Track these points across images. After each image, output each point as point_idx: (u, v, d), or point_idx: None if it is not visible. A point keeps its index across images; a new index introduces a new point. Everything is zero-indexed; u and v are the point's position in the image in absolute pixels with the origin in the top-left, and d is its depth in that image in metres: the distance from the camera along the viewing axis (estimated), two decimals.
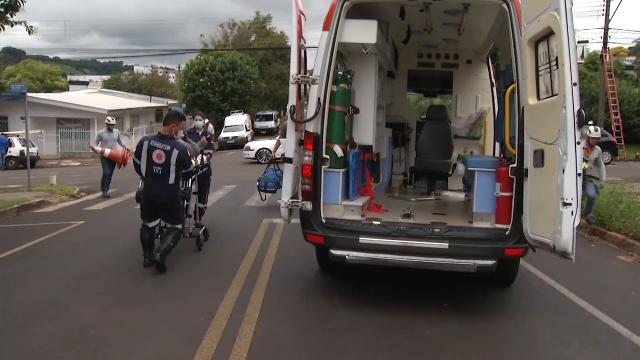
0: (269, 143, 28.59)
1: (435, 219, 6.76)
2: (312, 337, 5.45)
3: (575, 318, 6.21)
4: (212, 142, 10.68)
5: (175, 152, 7.45)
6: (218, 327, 5.57)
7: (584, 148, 9.87)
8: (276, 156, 13.06)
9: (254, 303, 6.27)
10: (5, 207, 12.90)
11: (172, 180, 7.48)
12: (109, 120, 15.77)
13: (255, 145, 28.70)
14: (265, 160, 26.71)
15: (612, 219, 10.53)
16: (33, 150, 28.81)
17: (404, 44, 9.21)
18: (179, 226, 7.81)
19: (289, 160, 6.15)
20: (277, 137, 15.30)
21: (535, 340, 5.61)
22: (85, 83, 77.42)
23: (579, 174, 4.76)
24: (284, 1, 6.21)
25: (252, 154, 28.36)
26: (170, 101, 53.95)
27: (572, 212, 4.76)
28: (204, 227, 9.26)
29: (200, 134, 10.30)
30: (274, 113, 52.02)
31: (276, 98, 56.25)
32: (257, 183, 12.87)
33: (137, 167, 7.66)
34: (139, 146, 7.59)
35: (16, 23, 12.50)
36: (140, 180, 8.17)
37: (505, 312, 6.35)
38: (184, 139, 8.86)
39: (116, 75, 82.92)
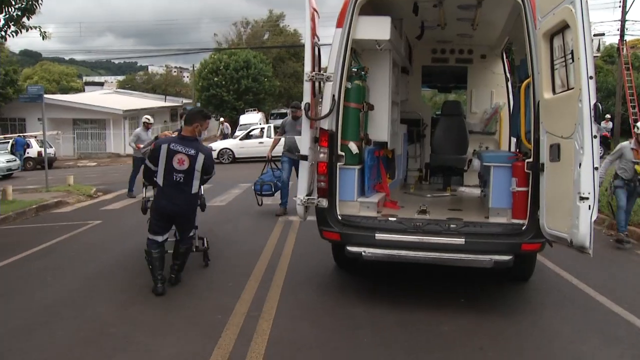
0: (230, 143, 28.72)
1: (451, 214, 6.74)
2: (329, 334, 5.47)
3: (594, 313, 6.17)
4: None
5: (200, 157, 6.56)
6: (235, 325, 5.60)
7: (632, 149, 9.50)
8: (272, 155, 12.27)
9: (270, 301, 6.29)
10: (24, 207, 13.08)
11: (195, 189, 6.61)
12: (147, 119, 15.57)
13: (217, 145, 28.05)
14: (227, 160, 26.84)
15: (632, 214, 10.42)
16: (50, 151, 29.06)
17: (417, 40, 9.18)
18: (191, 235, 7.16)
19: (304, 158, 6.16)
20: (276, 135, 14.68)
21: (553, 336, 5.58)
22: (101, 84, 78.01)
23: (596, 168, 4.73)
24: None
25: (214, 155, 28.12)
26: (185, 100, 54.21)
27: (589, 206, 4.72)
28: (203, 239, 7.97)
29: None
30: (289, 111, 51.93)
31: (290, 96, 56.20)
32: (253, 187, 11.91)
33: (151, 174, 6.70)
34: (155, 150, 6.61)
35: (31, 28, 12.61)
36: (145, 188, 7.90)
37: (522, 308, 6.32)
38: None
39: (131, 76, 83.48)
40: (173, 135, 7.20)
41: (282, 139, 11.97)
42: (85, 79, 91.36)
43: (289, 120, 11.82)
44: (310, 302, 6.36)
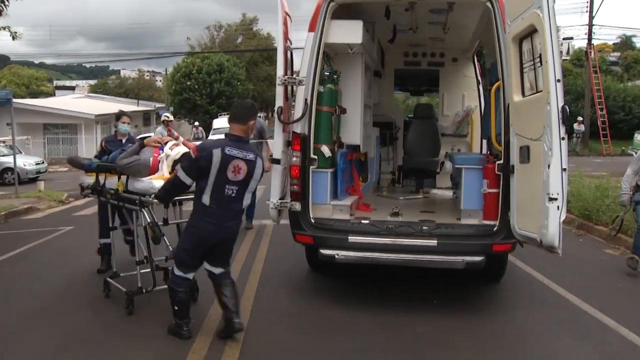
0: None
1: (424, 216, 6.81)
2: (304, 337, 5.49)
3: (565, 312, 6.28)
4: None
5: (259, 164, 5.27)
6: (209, 330, 5.58)
7: None
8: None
9: (245, 304, 6.27)
10: None
11: (245, 204, 5.39)
12: (167, 117, 13.75)
13: None
14: None
15: (599, 213, 10.61)
16: (41, 166, 28.43)
17: (390, 44, 9.25)
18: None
19: (277, 162, 6.17)
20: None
21: (527, 335, 5.68)
22: (72, 88, 76.81)
23: (564, 169, 4.81)
24: (270, 3, 6.22)
25: None
26: (158, 104, 53.72)
27: (558, 206, 4.81)
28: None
29: (124, 141, 7.72)
30: (262, 115, 51.98)
31: (264, 100, 56.16)
32: None
33: (180, 188, 5.27)
34: (203, 157, 5.02)
35: (0, 29, 12.44)
36: (147, 207, 5.90)
37: (496, 308, 6.40)
38: (104, 148, 7.60)
39: (103, 80, 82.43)
40: (170, 138, 6.45)
41: None
42: (56, 83, 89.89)
43: None
44: (285, 305, 6.37)
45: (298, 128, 6.15)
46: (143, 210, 5.86)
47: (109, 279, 6.59)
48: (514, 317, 6.12)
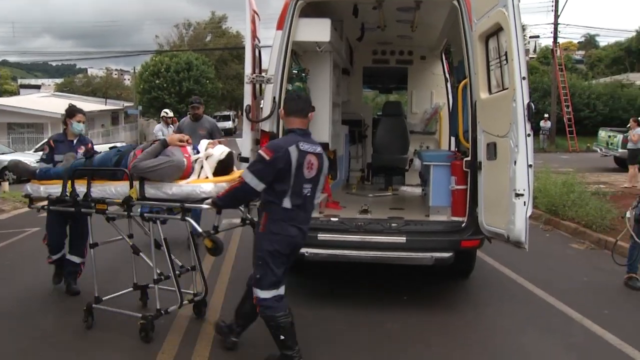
0: None
1: (393, 213, 6.84)
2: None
3: (532, 306, 6.39)
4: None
5: (324, 156, 4.86)
6: (179, 330, 5.54)
7: None
8: None
9: (214, 303, 6.25)
10: None
11: (317, 201, 5.09)
12: (166, 113, 13.06)
13: None
14: None
15: (565, 209, 10.80)
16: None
17: (358, 42, 9.28)
18: None
19: (246, 160, 6.14)
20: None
21: (495, 329, 5.76)
22: (37, 87, 75.42)
23: (530, 165, 4.88)
24: (239, 1, 6.18)
25: None
26: (126, 103, 53.13)
27: (524, 202, 4.88)
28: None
29: (74, 142, 6.78)
30: (232, 113, 51.70)
31: (234, 98, 55.91)
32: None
33: (251, 195, 4.73)
34: (279, 157, 4.46)
35: None
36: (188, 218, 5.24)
37: (465, 303, 6.48)
38: (51, 149, 6.68)
39: (69, 79, 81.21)
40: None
41: None
42: (21, 81, 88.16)
43: (187, 122, 9.25)
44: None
45: (266, 126, 6.12)
46: (188, 218, 5.14)
47: (93, 305, 5.65)
48: (483, 312, 6.20)
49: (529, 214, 4.91)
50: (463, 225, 5.97)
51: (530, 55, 54.45)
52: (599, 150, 23.09)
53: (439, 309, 6.17)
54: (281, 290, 4.69)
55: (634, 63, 58.15)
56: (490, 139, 5.47)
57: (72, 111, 6.85)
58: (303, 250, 5.76)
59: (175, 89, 45.55)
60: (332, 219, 6.29)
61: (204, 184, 5.05)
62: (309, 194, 4.67)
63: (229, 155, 5.31)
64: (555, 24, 33.86)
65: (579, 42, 73.24)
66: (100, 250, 5.90)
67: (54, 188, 5.82)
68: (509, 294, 6.81)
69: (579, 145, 31.58)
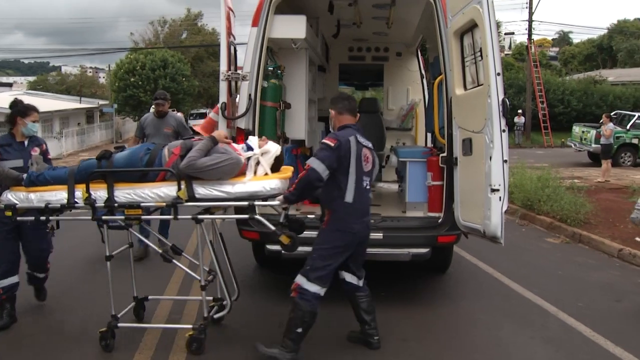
0: None
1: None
2: (252, 332, 5.43)
3: (508, 300, 6.46)
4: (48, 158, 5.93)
5: (374, 153, 5.14)
6: (156, 330, 5.48)
7: None
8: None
9: (192, 302, 6.20)
10: None
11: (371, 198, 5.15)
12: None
13: None
14: None
15: (541, 203, 10.91)
16: None
17: (334, 38, 9.28)
18: None
19: None
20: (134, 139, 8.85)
21: (472, 324, 5.80)
22: (9, 85, 74.22)
23: (505, 161, 4.91)
24: None
25: None
26: (101, 102, 52.57)
27: (500, 197, 4.90)
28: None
29: (26, 144, 5.74)
30: (208, 111, 51.35)
31: (210, 96, 55.49)
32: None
33: (317, 184, 4.74)
34: (343, 146, 4.71)
35: None
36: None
37: (442, 298, 6.51)
38: None
39: (43, 76, 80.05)
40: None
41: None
42: None
43: (150, 119, 8.26)
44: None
45: (242, 124, 6.09)
46: (258, 217, 4.89)
47: (115, 325, 5.11)
48: (460, 307, 6.24)
49: (504, 209, 4.94)
50: (439, 221, 6.00)
51: (505, 52, 55.05)
52: (573, 146, 23.42)
53: (416, 305, 6.20)
54: (322, 292, 4.78)
55: (606, 60, 59.14)
56: (466, 134, 5.50)
57: (25, 109, 5.72)
58: (280, 247, 5.71)
59: (151, 86, 45.03)
60: (309, 215, 6.27)
61: (272, 181, 4.86)
62: (367, 187, 4.87)
63: (282, 152, 5.21)
64: (530, 21, 34.22)
65: (553, 39, 74.22)
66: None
67: (53, 195, 4.93)
68: (485, 288, 6.86)
69: (553, 140, 31.94)
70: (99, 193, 4.85)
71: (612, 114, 20.14)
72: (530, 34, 34.38)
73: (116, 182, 4.87)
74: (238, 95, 6.23)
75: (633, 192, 12.74)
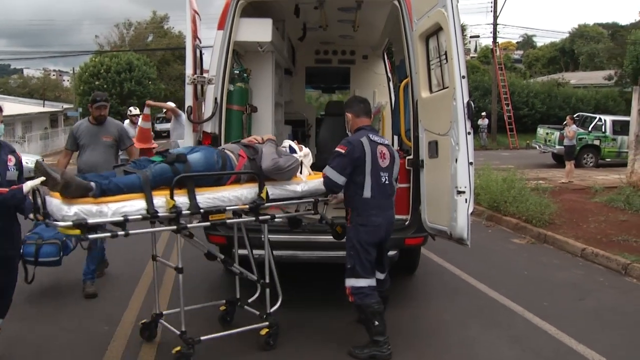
0: None
1: (337, 213, 6.83)
2: (220, 337, 5.39)
3: (475, 300, 6.53)
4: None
5: (392, 147, 5.41)
6: (123, 336, 5.43)
7: None
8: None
9: (160, 307, 6.11)
10: None
11: (395, 190, 5.35)
12: (130, 111, 12.09)
13: None
14: None
15: (507, 205, 11.05)
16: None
17: (300, 41, 9.27)
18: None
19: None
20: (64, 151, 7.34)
21: (439, 325, 5.84)
22: None
23: (471, 163, 4.95)
24: (180, 1, 6.08)
25: None
26: (66, 105, 51.77)
27: (465, 199, 4.93)
28: None
29: None
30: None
31: (177, 99, 55.04)
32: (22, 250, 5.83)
33: (333, 187, 5.09)
34: (356, 148, 4.96)
35: None
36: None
37: (409, 299, 6.54)
38: None
39: (4, 79, 78.43)
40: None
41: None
42: None
43: (84, 127, 6.98)
44: (201, 305, 6.24)
45: (209, 127, 6.04)
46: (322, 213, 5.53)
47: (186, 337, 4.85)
48: (428, 307, 6.30)
49: (470, 210, 4.97)
50: (406, 223, 6.03)
51: (471, 55, 55.69)
52: (537, 147, 23.80)
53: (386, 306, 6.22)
54: (373, 281, 5.03)
55: (568, 63, 60.31)
56: (432, 137, 5.53)
57: None
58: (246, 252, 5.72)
59: (117, 90, 44.53)
60: (276, 219, 6.24)
61: (320, 180, 5.26)
62: (386, 182, 5.06)
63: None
64: (495, 25, 34.68)
65: (517, 42, 75.33)
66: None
67: (130, 205, 4.33)
68: (452, 289, 6.93)
69: (519, 142, 32.40)
70: (179, 199, 4.52)
71: (574, 116, 20.53)
72: (495, 37, 34.85)
73: (196, 187, 4.65)
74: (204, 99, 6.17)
75: (595, 193, 13.00)
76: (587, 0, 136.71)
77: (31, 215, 4.28)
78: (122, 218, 4.24)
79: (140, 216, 4.33)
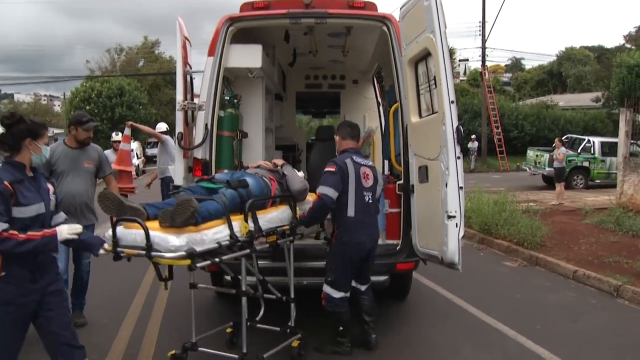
0: None
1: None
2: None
3: (467, 324, 6.50)
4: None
5: (376, 170, 5.72)
6: (118, 352, 5.41)
7: None
8: None
9: (150, 335, 6.07)
10: None
11: (378, 209, 5.76)
12: (112, 137, 11.50)
13: None
14: None
15: (498, 228, 11.05)
16: None
17: (290, 67, 9.32)
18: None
19: (177, 187, 6.01)
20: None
21: (432, 349, 5.80)
22: None
23: (461, 187, 4.97)
24: (172, 26, 6.12)
25: None
26: (57, 130, 51.70)
27: (456, 224, 4.95)
28: None
29: (40, 179, 4.14)
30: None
31: (168, 124, 54.97)
32: None
33: (328, 208, 5.36)
34: (341, 168, 5.31)
35: None
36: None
37: (401, 324, 6.49)
38: (10, 196, 3.61)
39: None
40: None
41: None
42: None
43: (60, 150, 6.26)
44: (191, 333, 6.18)
45: (199, 154, 6.04)
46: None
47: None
48: (420, 332, 6.25)
49: (461, 235, 4.99)
50: (398, 248, 6.02)
51: (460, 78, 56.15)
52: (528, 169, 23.92)
53: (376, 330, 6.17)
54: (348, 294, 5.43)
55: (557, 85, 60.91)
56: (422, 162, 5.56)
57: (37, 127, 3.93)
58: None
59: (108, 115, 44.53)
60: (265, 245, 6.21)
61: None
62: (370, 201, 5.40)
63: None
64: (483, 48, 34.99)
65: (506, 65, 76.00)
66: None
67: (219, 231, 4.43)
68: (444, 313, 6.89)
69: (509, 164, 32.56)
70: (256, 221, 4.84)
71: (563, 137, 20.67)
72: (483, 61, 35.14)
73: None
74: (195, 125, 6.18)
75: (586, 214, 13.04)
76: (573, 23, 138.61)
77: (102, 251, 4.16)
78: (216, 245, 4.33)
79: (227, 242, 4.45)
